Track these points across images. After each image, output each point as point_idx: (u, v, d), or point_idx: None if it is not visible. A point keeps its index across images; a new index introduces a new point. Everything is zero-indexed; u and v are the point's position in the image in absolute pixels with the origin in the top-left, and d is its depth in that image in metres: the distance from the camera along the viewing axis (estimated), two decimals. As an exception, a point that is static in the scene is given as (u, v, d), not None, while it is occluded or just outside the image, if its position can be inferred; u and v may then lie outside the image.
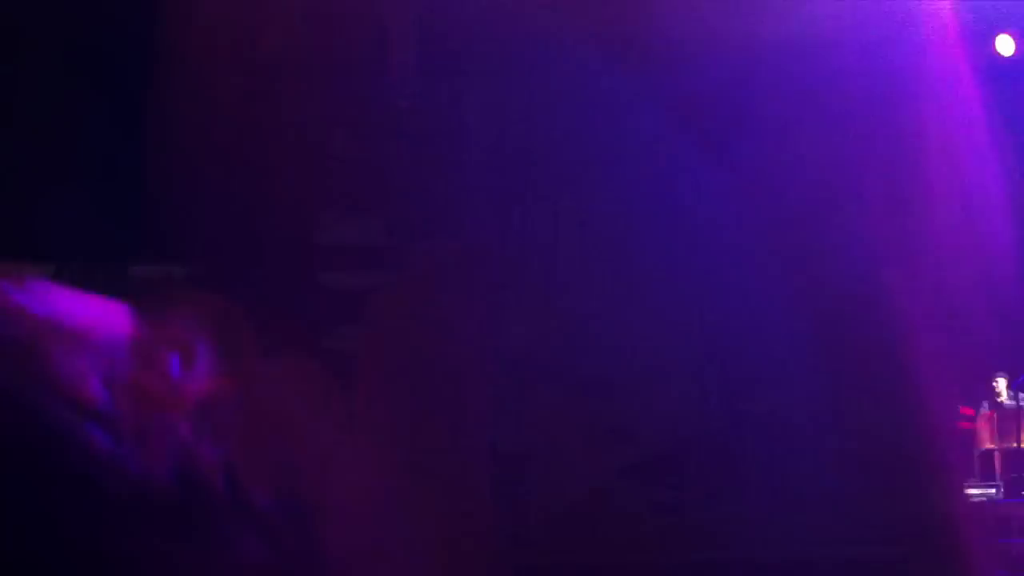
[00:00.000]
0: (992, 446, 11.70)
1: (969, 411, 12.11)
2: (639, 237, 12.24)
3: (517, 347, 14.52)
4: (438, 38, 16.51)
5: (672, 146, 11.23)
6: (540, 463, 12.27)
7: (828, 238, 11.00)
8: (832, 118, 11.31)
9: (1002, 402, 11.68)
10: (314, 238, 22.44)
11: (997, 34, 12.59)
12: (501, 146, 16.30)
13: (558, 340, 11.34)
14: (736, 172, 11.12)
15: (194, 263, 21.52)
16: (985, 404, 11.94)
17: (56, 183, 20.44)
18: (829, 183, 11.30)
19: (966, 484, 11.45)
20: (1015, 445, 11.05)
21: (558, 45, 13.24)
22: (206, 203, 20.71)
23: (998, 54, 12.82)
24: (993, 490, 11.24)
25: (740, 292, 10.80)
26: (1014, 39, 13.14)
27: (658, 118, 11.35)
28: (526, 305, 13.02)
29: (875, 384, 10.40)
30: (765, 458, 10.28)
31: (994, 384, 11.81)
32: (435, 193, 17.26)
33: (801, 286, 10.73)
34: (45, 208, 20.63)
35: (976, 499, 11.03)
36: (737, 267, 10.89)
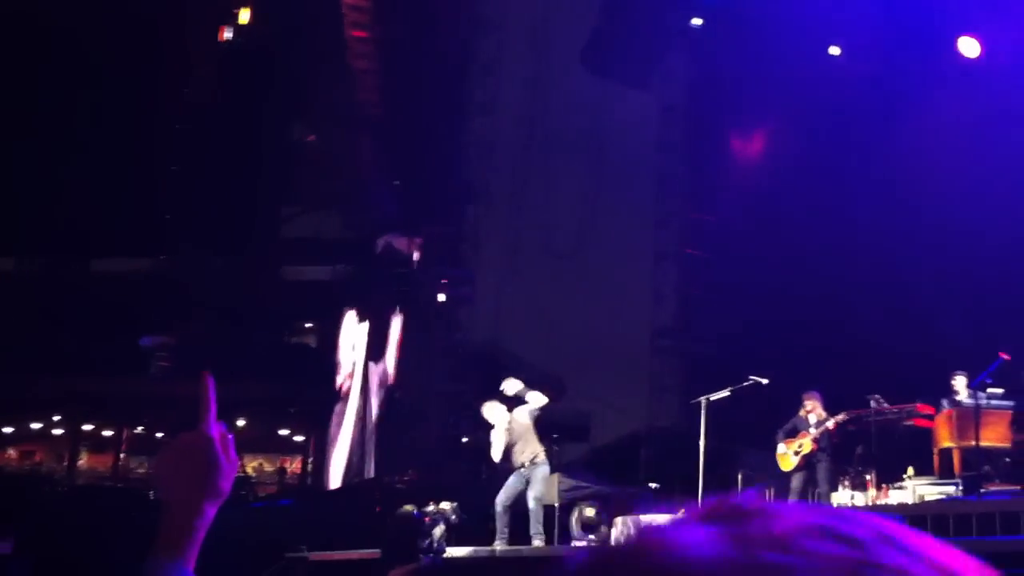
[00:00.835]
0: (951, 444, 11.67)
1: (929, 409, 12.13)
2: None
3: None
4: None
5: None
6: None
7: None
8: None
9: (961, 401, 11.62)
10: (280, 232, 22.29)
11: None
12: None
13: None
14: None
15: (161, 259, 21.27)
16: (944, 403, 11.92)
17: (37, 179, 20.09)
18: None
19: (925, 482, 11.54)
20: (974, 443, 11.01)
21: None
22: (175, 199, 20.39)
23: None
24: (952, 488, 11.24)
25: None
26: None
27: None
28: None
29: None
30: None
31: (953, 383, 11.77)
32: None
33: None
34: (5, 204, 20.28)
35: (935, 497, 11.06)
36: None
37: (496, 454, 11.52)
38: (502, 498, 11.38)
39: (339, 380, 19.89)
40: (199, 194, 20.25)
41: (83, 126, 20.00)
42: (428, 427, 18.67)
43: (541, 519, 11.29)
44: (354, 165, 21.34)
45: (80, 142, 19.95)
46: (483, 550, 11.84)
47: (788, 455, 12.02)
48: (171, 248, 20.95)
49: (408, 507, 12.56)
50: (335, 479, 19.12)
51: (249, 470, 20.88)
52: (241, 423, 20.31)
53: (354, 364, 19.95)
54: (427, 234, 20.06)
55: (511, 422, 11.42)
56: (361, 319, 19.86)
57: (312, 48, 20.61)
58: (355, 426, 19.33)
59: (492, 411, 11.55)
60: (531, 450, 11.33)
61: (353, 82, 20.67)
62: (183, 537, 1.61)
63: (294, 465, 21.92)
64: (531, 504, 11.23)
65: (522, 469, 11.32)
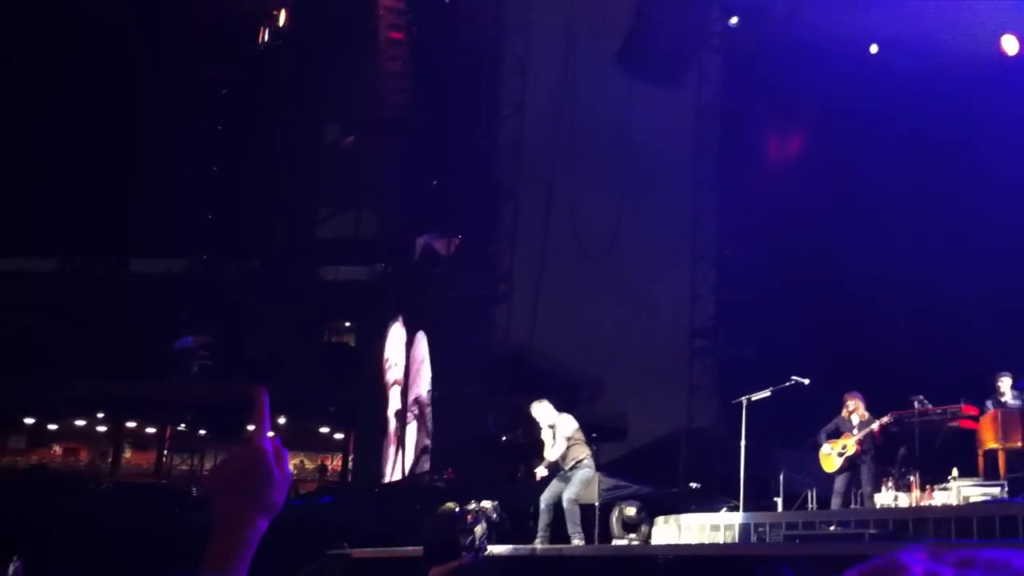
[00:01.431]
0: (996, 445, 11.58)
1: (973, 410, 12.04)
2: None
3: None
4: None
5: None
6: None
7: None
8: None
9: (1006, 402, 11.54)
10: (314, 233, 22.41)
11: None
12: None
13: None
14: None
15: (201, 259, 21.42)
16: (989, 404, 11.84)
17: (54, 179, 20.32)
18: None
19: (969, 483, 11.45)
20: (1019, 445, 10.92)
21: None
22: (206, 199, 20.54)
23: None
24: (997, 489, 11.15)
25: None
26: None
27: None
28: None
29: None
30: None
31: (998, 383, 11.69)
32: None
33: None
34: (48, 203, 20.51)
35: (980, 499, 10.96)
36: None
37: (549, 453, 11.41)
38: (545, 496, 11.34)
39: (388, 378, 19.97)
40: (237, 195, 20.40)
41: (123, 126, 20.20)
42: (464, 426, 18.71)
43: (577, 519, 11.23)
44: (388, 166, 21.43)
45: (120, 142, 20.15)
46: (523, 548, 11.86)
47: (832, 456, 11.98)
48: (210, 249, 21.13)
49: (450, 504, 12.60)
50: (394, 475, 19.17)
51: (291, 467, 20.95)
52: (281, 421, 20.44)
53: (398, 363, 20.06)
54: (462, 234, 20.11)
55: (556, 426, 11.33)
56: (403, 319, 19.96)
57: (347, 50, 20.72)
58: (412, 423, 19.41)
59: (540, 410, 11.46)
60: (575, 453, 11.28)
61: (387, 83, 20.79)
62: (233, 551, 1.58)
63: (334, 463, 22.04)
64: (565, 504, 11.18)
65: (566, 471, 11.27)
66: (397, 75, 20.69)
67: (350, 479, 20.81)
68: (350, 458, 21.10)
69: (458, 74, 20.84)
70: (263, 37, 19.58)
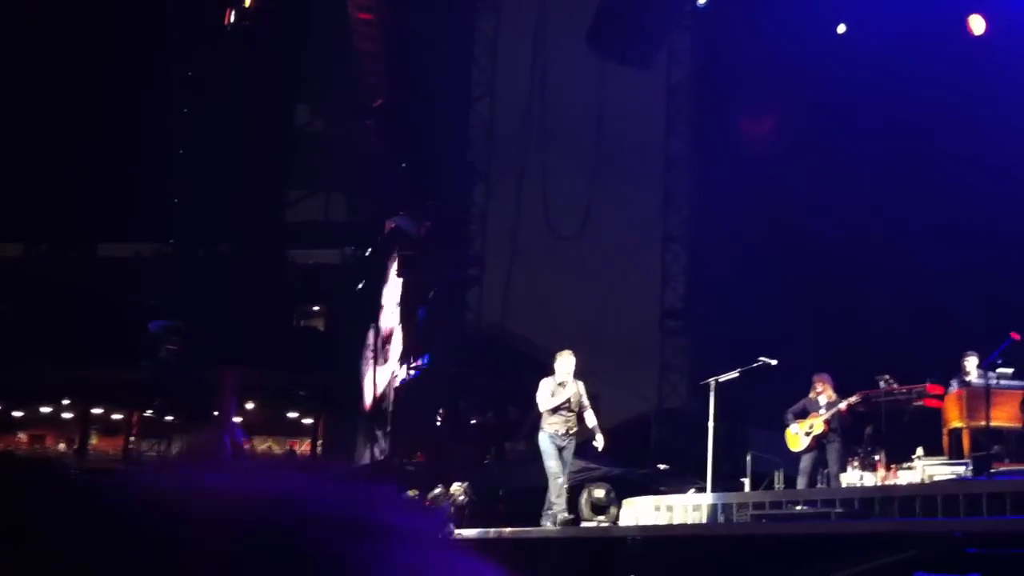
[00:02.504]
0: (961, 424, 11.65)
1: (938, 389, 12.11)
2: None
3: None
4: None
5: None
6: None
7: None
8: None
9: (971, 381, 11.59)
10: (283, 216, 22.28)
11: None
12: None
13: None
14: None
15: (169, 243, 21.28)
16: (954, 383, 11.90)
17: (19, 163, 20.12)
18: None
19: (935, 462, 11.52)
20: (984, 424, 10.98)
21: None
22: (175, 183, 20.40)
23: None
24: (962, 468, 11.22)
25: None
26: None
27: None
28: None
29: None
30: None
31: (964, 363, 11.75)
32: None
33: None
34: (13, 188, 20.31)
35: (945, 478, 11.03)
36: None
37: (593, 418, 11.02)
38: (557, 469, 10.92)
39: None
40: (206, 178, 20.23)
41: (89, 110, 19.98)
42: (435, 409, 18.69)
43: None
44: (360, 147, 21.31)
45: (86, 126, 19.93)
46: (491, 531, 11.88)
47: (799, 435, 12.04)
48: (178, 233, 20.97)
49: (411, 492, 12.60)
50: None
51: (260, 453, 20.92)
52: (250, 406, 20.37)
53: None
54: (434, 216, 20.03)
55: (572, 385, 10.92)
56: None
57: (317, 30, 20.56)
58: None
59: (564, 361, 10.97)
60: (576, 420, 10.98)
61: (359, 65, 20.64)
62: None
63: (303, 447, 21.98)
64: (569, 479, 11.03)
65: (562, 438, 10.93)
66: (369, 56, 20.55)
67: (319, 463, 20.69)
68: (319, 443, 21.07)
69: (430, 56, 20.72)
70: (230, 18, 19.37)
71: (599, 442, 11.23)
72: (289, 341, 20.64)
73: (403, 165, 20.04)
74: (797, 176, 16.97)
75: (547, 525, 11.09)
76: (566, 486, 11.12)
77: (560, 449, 10.94)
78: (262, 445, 21.68)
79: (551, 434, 10.93)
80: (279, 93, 21.26)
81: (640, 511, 12.19)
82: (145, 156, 20.33)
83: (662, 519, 11.88)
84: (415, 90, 20.33)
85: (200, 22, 19.76)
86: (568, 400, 10.89)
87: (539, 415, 11.17)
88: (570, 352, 11.09)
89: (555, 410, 10.91)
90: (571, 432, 10.99)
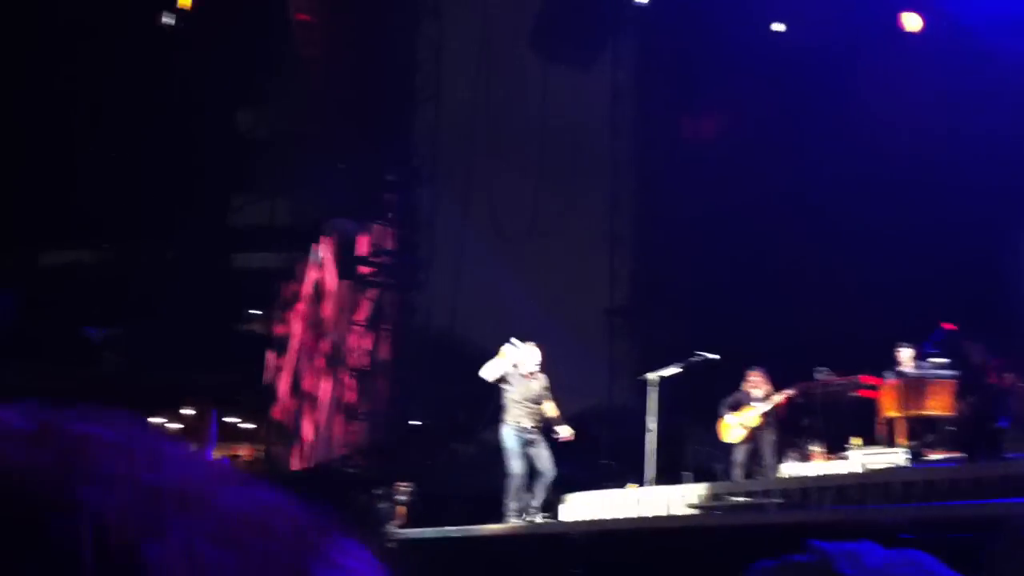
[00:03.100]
0: (896, 414, 11.84)
1: (874, 380, 12.29)
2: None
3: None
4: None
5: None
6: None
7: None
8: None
9: (905, 371, 11.80)
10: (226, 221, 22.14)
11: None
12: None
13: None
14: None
15: (103, 249, 21.03)
16: (889, 374, 12.09)
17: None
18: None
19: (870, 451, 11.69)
20: (918, 413, 11.18)
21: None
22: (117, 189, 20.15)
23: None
24: (897, 456, 11.39)
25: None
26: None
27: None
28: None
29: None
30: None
31: (898, 354, 11.94)
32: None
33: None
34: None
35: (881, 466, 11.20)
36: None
37: (488, 371, 10.80)
38: (519, 470, 10.70)
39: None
40: (148, 184, 20.04)
41: (26, 114, 19.73)
42: (384, 413, 18.63)
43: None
44: (304, 152, 21.22)
45: (23, 131, 19.68)
46: (431, 531, 11.89)
47: (734, 427, 12.16)
48: (120, 239, 20.75)
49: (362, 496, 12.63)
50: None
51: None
52: (189, 412, 20.17)
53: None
54: (378, 219, 19.97)
55: (530, 375, 10.71)
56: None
57: (257, 34, 20.45)
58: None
59: (532, 353, 10.77)
60: (540, 414, 10.82)
61: (300, 68, 20.55)
62: None
63: (245, 454, 21.78)
64: (553, 474, 10.82)
65: (527, 432, 10.71)
66: (311, 60, 20.47)
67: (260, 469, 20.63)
68: (260, 448, 20.91)
69: (374, 57, 20.67)
70: (167, 20, 19.19)
71: (566, 432, 11.07)
72: (232, 346, 20.46)
73: (341, 167, 19.93)
74: (739, 176, 17.15)
75: (512, 522, 10.89)
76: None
77: (526, 444, 10.68)
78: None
79: (516, 428, 10.69)
80: (221, 97, 21.10)
81: (585, 507, 12.24)
82: (85, 162, 20.09)
83: (607, 514, 11.95)
84: (358, 94, 20.28)
85: (138, 24, 19.58)
86: (536, 393, 10.74)
87: (501, 408, 10.87)
88: (534, 344, 10.90)
89: (519, 402, 10.68)
90: (538, 426, 10.77)
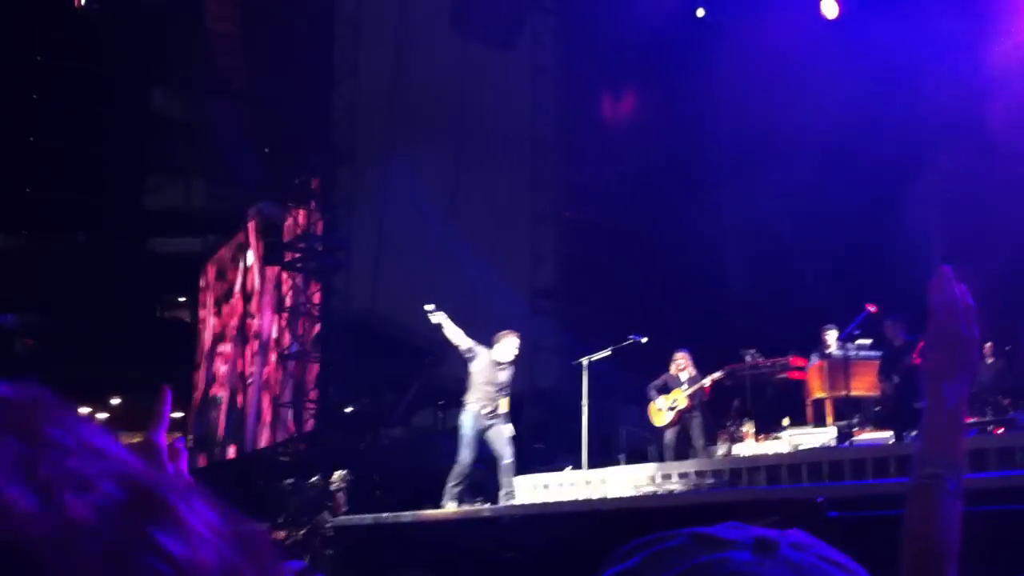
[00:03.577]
0: (823, 395, 12.10)
1: (801, 361, 12.53)
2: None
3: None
4: None
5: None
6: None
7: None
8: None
9: (831, 353, 12.04)
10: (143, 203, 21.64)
11: None
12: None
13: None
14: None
15: (22, 234, 20.37)
16: (815, 355, 12.34)
17: None
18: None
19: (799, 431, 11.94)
20: (844, 394, 11.43)
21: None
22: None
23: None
24: (825, 436, 11.65)
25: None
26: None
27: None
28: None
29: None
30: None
31: (824, 336, 12.19)
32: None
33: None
34: None
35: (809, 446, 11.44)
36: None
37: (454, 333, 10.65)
38: (467, 459, 10.61)
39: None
40: (60, 166, 19.43)
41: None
42: (309, 398, 18.40)
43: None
44: (220, 132, 20.78)
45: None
46: (366, 517, 11.83)
47: (663, 411, 12.30)
48: (32, 224, 20.11)
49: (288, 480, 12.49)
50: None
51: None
52: (115, 401, 19.71)
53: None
54: (297, 201, 19.66)
55: (499, 365, 10.55)
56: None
57: (171, 10, 19.93)
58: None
59: (510, 343, 10.63)
60: (502, 401, 10.67)
61: (215, 45, 20.08)
62: None
63: (172, 442, 21.34)
64: (511, 459, 10.65)
65: (487, 418, 10.58)
66: (225, 36, 20.00)
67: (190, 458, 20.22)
68: (189, 437, 20.57)
69: (291, 35, 20.29)
70: (80, 2, 18.61)
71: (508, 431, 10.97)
72: (153, 333, 20.06)
73: (265, 150, 19.62)
74: (661, 155, 17.28)
75: (449, 507, 10.83)
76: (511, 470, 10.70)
77: (482, 430, 10.55)
78: (131, 440, 20.90)
79: (475, 413, 10.57)
80: (135, 76, 20.53)
81: (531, 490, 12.29)
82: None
83: (538, 497, 12.00)
84: (274, 72, 19.91)
85: (49, 4, 18.95)
86: (500, 382, 10.62)
87: (465, 390, 10.72)
88: (513, 334, 10.79)
89: (483, 384, 10.54)
90: (498, 412, 10.63)
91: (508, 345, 10.76)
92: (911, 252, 12.63)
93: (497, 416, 10.64)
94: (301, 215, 19.55)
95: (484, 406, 10.60)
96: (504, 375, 10.73)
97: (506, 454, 10.68)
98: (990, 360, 12.18)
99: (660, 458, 12.31)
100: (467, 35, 19.79)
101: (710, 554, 0.84)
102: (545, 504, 11.42)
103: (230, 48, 20.04)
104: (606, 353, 12.23)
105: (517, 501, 11.58)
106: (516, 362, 10.96)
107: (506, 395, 10.87)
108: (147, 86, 21.59)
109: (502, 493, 10.86)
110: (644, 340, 12.23)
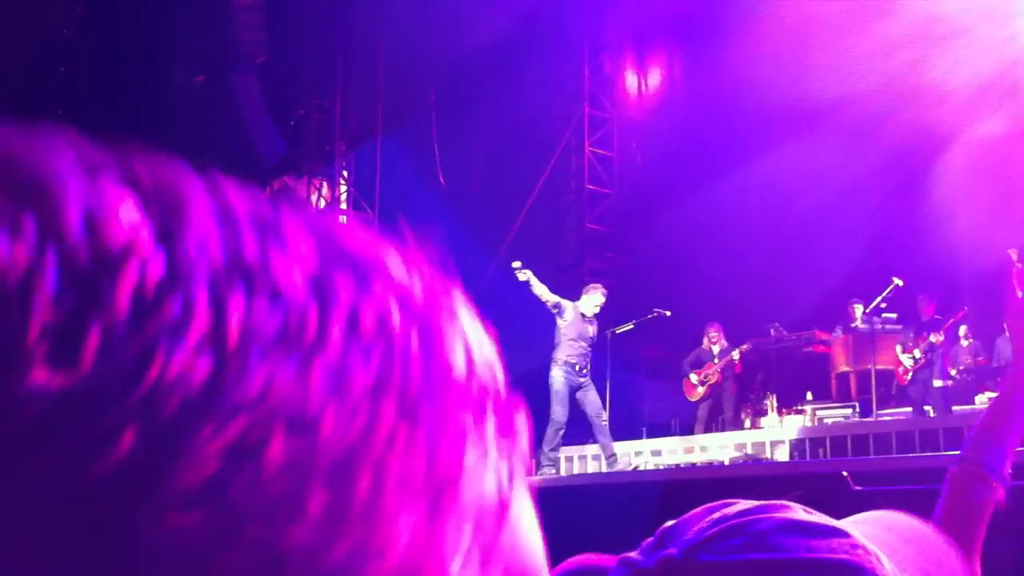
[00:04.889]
0: (847, 368, 12.07)
1: (826, 335, 12.49)
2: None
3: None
4: None
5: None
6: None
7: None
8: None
9: (856, 327, 12.01)
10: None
11: None
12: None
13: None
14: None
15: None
16: (840, 329, 12.30)
17: None
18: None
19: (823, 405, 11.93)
20: (869, 367, 11.39)
21: None
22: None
23: None
24: (849, 410, 11.63)
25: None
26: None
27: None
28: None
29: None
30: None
31: (850, 310, 12.15)
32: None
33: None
34: None
35: (833, 420, 11.43)
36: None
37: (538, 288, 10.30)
38: (561, 418, 9.99)
39: None
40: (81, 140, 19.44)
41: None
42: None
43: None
44: (242, 107, 20.80)
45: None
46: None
47: (696, 385, 12.30)
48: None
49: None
50: None
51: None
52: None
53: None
54: (322, 175, 19.70)
55: (586, 319, 10.09)
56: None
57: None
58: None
59: (592, 297, 10.17)
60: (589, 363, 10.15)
61: (236, 18, 20.05)
62: None
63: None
64: (603, 418, 10.16)
65: (578, 376, 10.08)
66: (247, 9, 19.96)
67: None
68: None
69: (311, 8, 20.26)
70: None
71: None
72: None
73: (291, 123, 19.63)
74: (685, 129, 17.20)
75: (548, 472, 10.24)
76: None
77: (575, 390, 10.08)
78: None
79: (566, 368, 10.09)
80: (156, 51, 20.56)
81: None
82: (20, 117, 19.45)
83: (562, 470, 12.04)
84: (298, 45, 19.90)
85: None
86: (589, 336, 10.18)
87: (554, 346, 10.25)
88: (600, 287, 10.41)
89: (574, 340, 10.13)
90: (586, 371, 10.15)
91: (594, 298, 10.32)
92: (937, 227, 12.54)
93: (587, 373, 10.17)
94: (325, 189, 19.58)
95: (576, 363, 10.14)
96: (592, 329, 10.28)
97: (601, 413, 10.24)
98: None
99: (686, 430, 12.33)
100: (488, 6, 19.69)
101: None
102: (571, 476, 11.46)
103: (252, 20, 20.00)
104: (630, 326, 12.23)
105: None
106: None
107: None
108: (169, 61, 21.64)
109: (606, 455, 10.30)
110: (668, 313, 12.22)
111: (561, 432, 10.07)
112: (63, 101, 19.71)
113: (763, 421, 11.92)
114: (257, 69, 20.44)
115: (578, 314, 10.21)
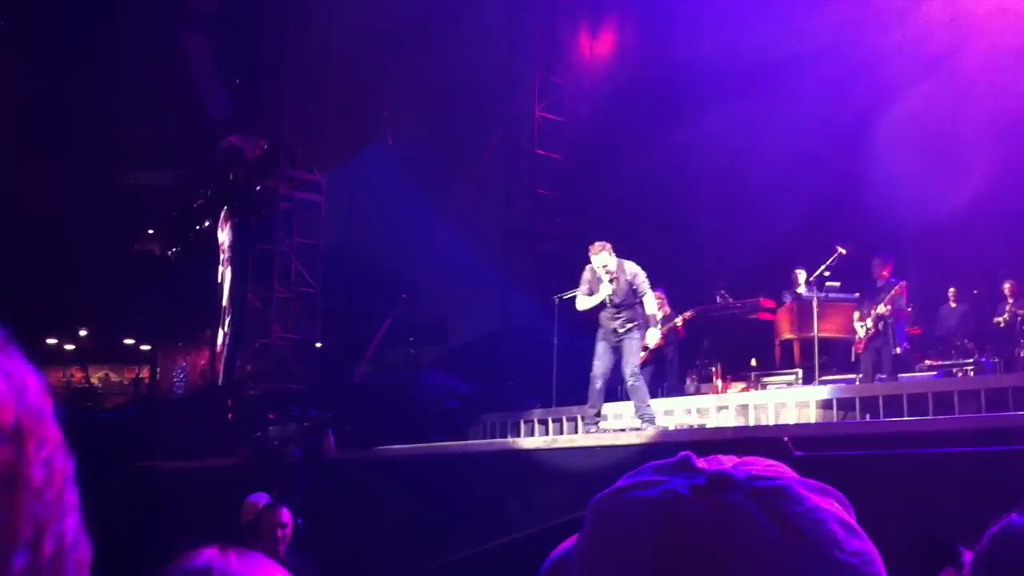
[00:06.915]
0: (791, 336, 12.20)
1: (771, 303, 12.62)
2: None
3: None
4: None
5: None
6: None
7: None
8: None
9: (801, 294, 12.12)
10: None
11: None
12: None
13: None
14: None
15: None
16: (786, 296, 12.42)
17: None
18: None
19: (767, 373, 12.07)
20: (812, 334, 11.51)
21: None
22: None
23: None
24: (792, 377, 11.78)
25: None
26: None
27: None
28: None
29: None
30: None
31: (794, 276, 12.26)
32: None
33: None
34: None
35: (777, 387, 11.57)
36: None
37: (653, 307, 10.04)
38: (600, 370, 9.94)
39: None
40: (31, 98, 19.12)
41: None
42: (277, 332, 18.39)
43: (646, 397, 10.00)
44: (194, 64, 20.48)
45: None
46: (345, 452, 11.91)
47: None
48: (4, 155, 19.82)
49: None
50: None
51: (95, 380, 20.21)
52: (83, 333, 19.60)
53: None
54: (272, 136, 19.47)
55: (618, 273, 9.81)
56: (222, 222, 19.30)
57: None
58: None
59: (596, 257, 9.78)
60: (628, 315, 9.89)
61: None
62: None
63: (142, 374, 21.32)
64: (629, 380, 9.91)
65: (612, 335, 9.89)
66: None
67: (157, 391, 20.24)
68: (157, 370, 20.48)
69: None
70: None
71: (650, 337, 10.40)
72: (124, 266, 19.91)
73: (237, 81, 19.34)
74: (634, 95, 17.20)
75: (591, 431, 10.26)
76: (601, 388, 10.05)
77: (609, 348, 9.94)
78: (98, 372, 20.91)
79: (601, 332, 10.03)
80: (108, 7, 20.15)
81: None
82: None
83: (509, 435, 12.12)
84: (252, 3, 19.61)
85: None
86: (610, 297, 9.88)
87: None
88: (602, 245, 9.96)
89: (601, 307, 9.95)
90: (621, 330, 9.88)
91: (596, 259, 9.97)
92: (882, 194, 12.68)
93: (626, 332, 9.93)
94: (270, 149, 19.35)
95: (606, 326, 10.02)
96: (607, 288, 9.94)
97: (626, 376, 10.03)
98: (955, 305, 12.34)
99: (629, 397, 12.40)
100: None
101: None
102: (516, 440, 11.53)
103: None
104: (577, 292, 12.25)
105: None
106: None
107: (639, 300, 10.02)
108: (120, 17, 21.23)
109: (644, 413, 10.13)
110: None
111: (596, 387, 10.11)
112: (11, 57, 19.27)
113: (707, 387, 12.04)
114: (207, 29, 20.12)
115: (595, 276, 10.01)
